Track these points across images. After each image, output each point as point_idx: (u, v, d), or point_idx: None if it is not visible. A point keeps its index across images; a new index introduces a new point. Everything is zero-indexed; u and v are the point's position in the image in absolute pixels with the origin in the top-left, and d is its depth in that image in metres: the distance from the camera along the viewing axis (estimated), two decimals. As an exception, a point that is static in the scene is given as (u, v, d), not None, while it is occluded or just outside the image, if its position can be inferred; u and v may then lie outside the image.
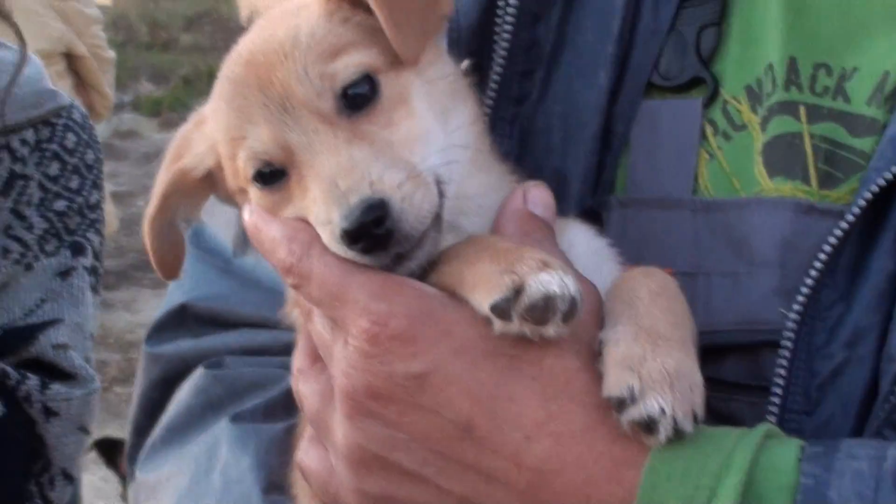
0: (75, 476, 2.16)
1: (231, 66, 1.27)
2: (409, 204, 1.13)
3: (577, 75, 1.40)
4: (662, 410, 1.06)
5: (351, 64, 1.21)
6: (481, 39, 1.42)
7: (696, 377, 1.10)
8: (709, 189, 1.33)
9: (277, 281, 1.26)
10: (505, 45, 1.40)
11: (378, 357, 1.12)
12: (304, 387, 1.26)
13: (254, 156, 1.22)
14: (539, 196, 1.27)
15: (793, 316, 1.24)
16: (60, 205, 2.17)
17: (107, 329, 8.25)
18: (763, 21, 1.35)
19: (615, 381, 1.09)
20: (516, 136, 1.41)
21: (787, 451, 1.08)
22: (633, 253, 1.31)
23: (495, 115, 1.41)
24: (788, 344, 1.24)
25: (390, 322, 1.12)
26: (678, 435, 1.07)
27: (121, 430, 4.98)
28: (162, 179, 1.33)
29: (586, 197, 1.38)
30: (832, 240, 1.23)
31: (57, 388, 2.07)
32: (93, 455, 5.60)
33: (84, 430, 2.14)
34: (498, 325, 1.10)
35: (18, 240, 2.12)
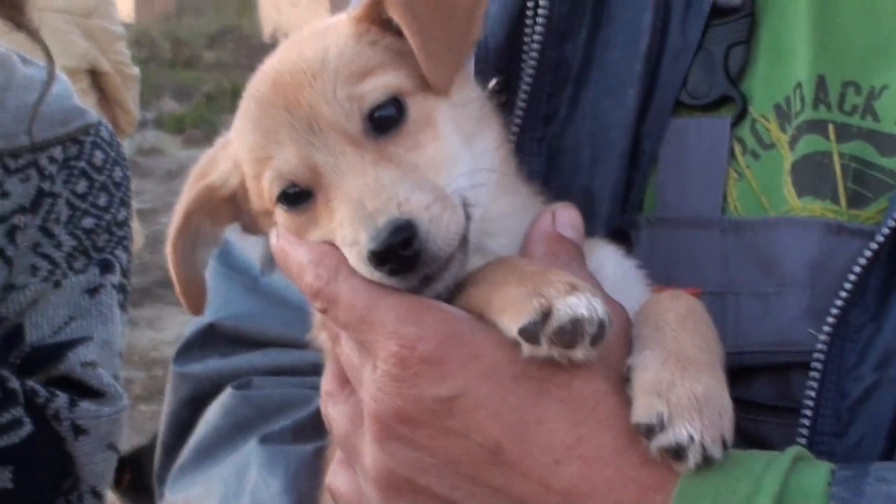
0: (104, 493, 2.17)
1: (257, 85, 1.27)
2: (437, 226, 1.13)
3: (606, 94, 1.40)
4: (691, 437, 1.06)
5: (379, 86, 1.21)
6: (509, 58, 1.42)
7: (724, 402, 1.10)
8: (738, 208, 1.33)
9: (305, 300, 1.26)
10: (533, 63, 1.40)
11: (407, 381, 1.12)
12: (333, 410, 1.26)
13: (280, 176, 1.22)
14: (567, 217, 1.26)
15: (822, 337, 1.24)
16: (89, 222, 2.18)
17: (131, 346, 8.24)
18: (791, 39, 1.34)
19: (643, 408, 1.08)
20: (545, 154, 1.41)
21: (816, 475, 1.07)
22: (662, 272, 1.30)
23: (523, 133, 1.40)
24: (818, 365, 1.23)
25: (418, 345, 1.12)
26: (707, 461, 1.06)
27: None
28: (185, 197, 1.32)
29: (615, 216, 1.37)
30: (862, 260, 1.22)
31: (86, 405, 2.08)
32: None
33: (112, 447, 2.14)
34: (526, 348, 1.10)
35: (47, 257, 2.13)
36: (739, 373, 1.21)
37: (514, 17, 1.41)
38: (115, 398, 2.13)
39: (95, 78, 6.10)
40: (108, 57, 6.08)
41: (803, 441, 1.23)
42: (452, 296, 1.18)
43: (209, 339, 1.66)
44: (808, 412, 1.24)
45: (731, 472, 1.07)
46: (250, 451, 1.52)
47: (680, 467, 1.07)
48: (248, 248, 1.66)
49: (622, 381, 1.13)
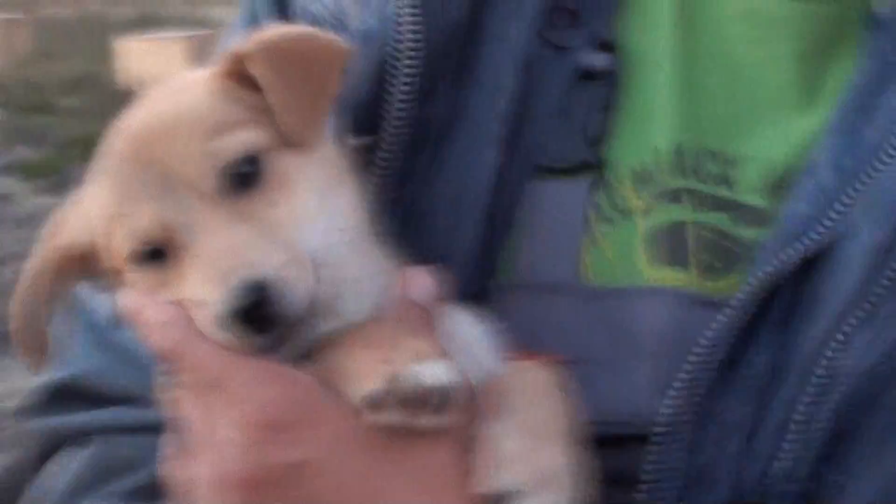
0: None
1: (113, 140, 1.23)
2: (288, 287, 1.11)
3: (465, 155, 1.37)
4: None
5: (235, 143, 1.18)
6: (375, 116, 1.39)
7: (572, 474, 1.10)
8: (592, 276, 1.32)
9: (154, 358, 1.22)
10: (395, 122, 1.37)
11: (252, 447, 1.09)
12: (177, 473, 1.22)
13: (132, 234, 1.18)
14: (419, 282, 1.25)
15: (664, 410, 1.24)
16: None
17: (-30, 398, 7.98)
18: (655, 105, 1.34)
19: (489, 478, 1.08)
20: (401, 215, 1.38)
21: None
22: (521, 338, 1.29)
23: (382, 193, 1.38)
24: (658, 439, 1.24)
25: (266, 410, 1.09)
26: None
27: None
28: (35, 262, 1.27)
29: (473, 281, 1.35)
30: (709, 333, 1.23)
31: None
32: None
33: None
34: (370, 415, 1.09)
35: None
36: (605, 442, 1.21)
37: (381, 74, 1.38)
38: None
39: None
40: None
41: None
42: (304, 360, 1.15)
43: (54, 395, 1.60)
44: (645, 486, 1.24)
45: None
46: None
47: None
48: (98, 304, 1.61)
49: (468, 451, 1.12)
